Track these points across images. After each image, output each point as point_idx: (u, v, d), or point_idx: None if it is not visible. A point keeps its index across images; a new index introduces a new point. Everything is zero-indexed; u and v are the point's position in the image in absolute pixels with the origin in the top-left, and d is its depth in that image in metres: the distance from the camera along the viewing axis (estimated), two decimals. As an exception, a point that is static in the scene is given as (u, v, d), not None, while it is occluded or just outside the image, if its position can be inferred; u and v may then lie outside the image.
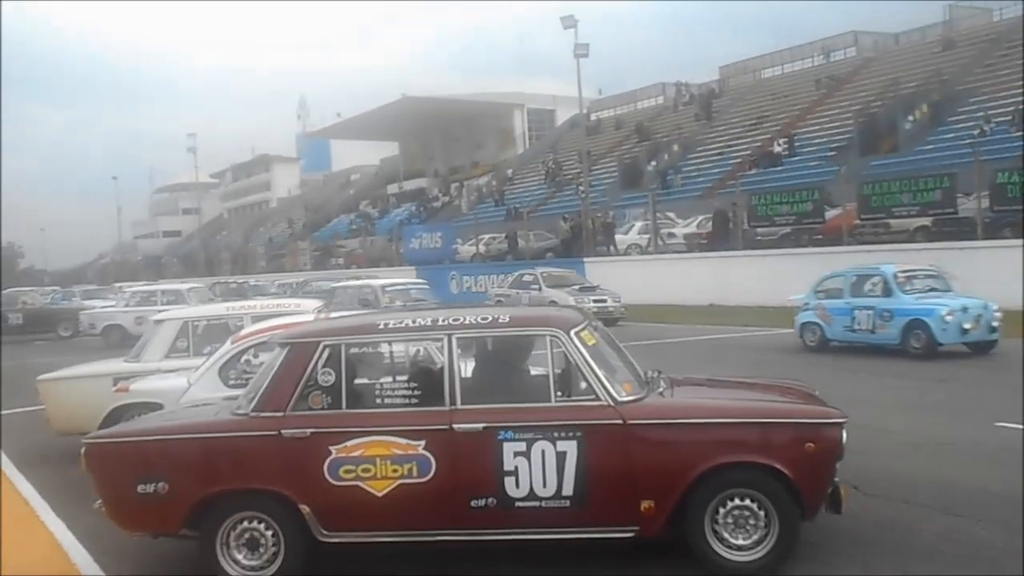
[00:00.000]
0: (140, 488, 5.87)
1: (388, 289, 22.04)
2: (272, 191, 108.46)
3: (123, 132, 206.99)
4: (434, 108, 68.03)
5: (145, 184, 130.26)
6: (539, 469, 5.63)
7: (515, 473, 5.64)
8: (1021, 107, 31.64)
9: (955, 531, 6.38)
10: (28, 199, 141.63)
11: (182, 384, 8.61)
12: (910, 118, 35.52)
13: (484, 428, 5.68)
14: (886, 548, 6.07)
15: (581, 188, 41.15)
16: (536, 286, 26.16)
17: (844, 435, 5.80)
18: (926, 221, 24.28)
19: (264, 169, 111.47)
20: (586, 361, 5.81)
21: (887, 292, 15.72)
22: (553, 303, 22.27)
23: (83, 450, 6.09)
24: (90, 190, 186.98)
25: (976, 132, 31.20)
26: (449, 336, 5.93)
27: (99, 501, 6.11)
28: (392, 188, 74.45)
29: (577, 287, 26.16)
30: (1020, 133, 29.71)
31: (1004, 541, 6.12)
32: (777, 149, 40.37)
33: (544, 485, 5.64)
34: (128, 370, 10.08)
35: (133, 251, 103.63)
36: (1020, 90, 33.48)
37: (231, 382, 8.40)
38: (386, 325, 6.30)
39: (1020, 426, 9.34)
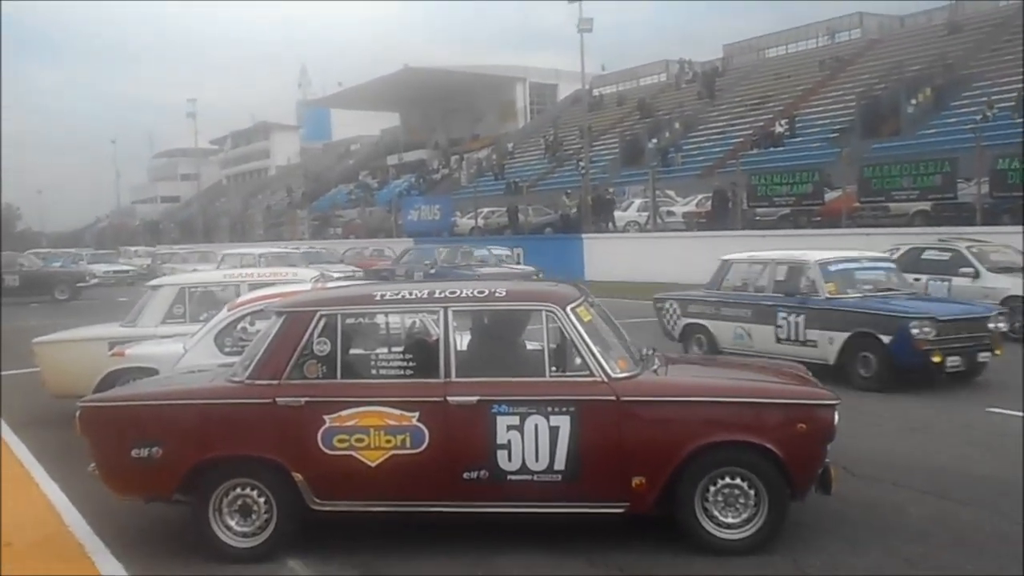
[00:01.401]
0: (134, 452, 5.89)
1: (834, 268, 12.01)
2: (271, 159, 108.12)
3: (123, 96, 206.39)
4: (436, 79, 67.73)
5: (144, 149, 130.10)
6: (532, 443, 5.66)
7: (508, 446, 5.67)
8: (1024, 93, 31.58)
9: (944, 514, 6.43)
10: (26, 160, 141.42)
11: (178, 350, 8.62)
12: (913, 102, 35.40)
13: (478, 401, 5.70)
14: (874, 529, 6.11)
15: (581, 164, 41.05)
16: (968, 269, 15.36)
17: (836, 417, 5.84)
18: (925, 205, 24.25)
19: (264, 137, 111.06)
20: (581, 337, 5.83)
21: None
22: (1015, 300, 14.38)
23: (78, 413, 6.11)
24: (89, 153, 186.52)
25: (979, 117, 31.12)
26: (445, 309, 5.94)
27: (93, 464, 6.13)
28: (392, 159, 74.21)
29: None
30: (1022, 119, 29.64)
31: (992, 525, 6.17)
32: (779, 129, 40.28)
33: (536, 459, 5.67)
34: (124, 335, 10.09)
35: (131, 215, 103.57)
36: (1023, 76, 33.38)
37: (227, 349, 8.42)
38: (382, 296, 6.31)
39: (1012, 412, 9.40)
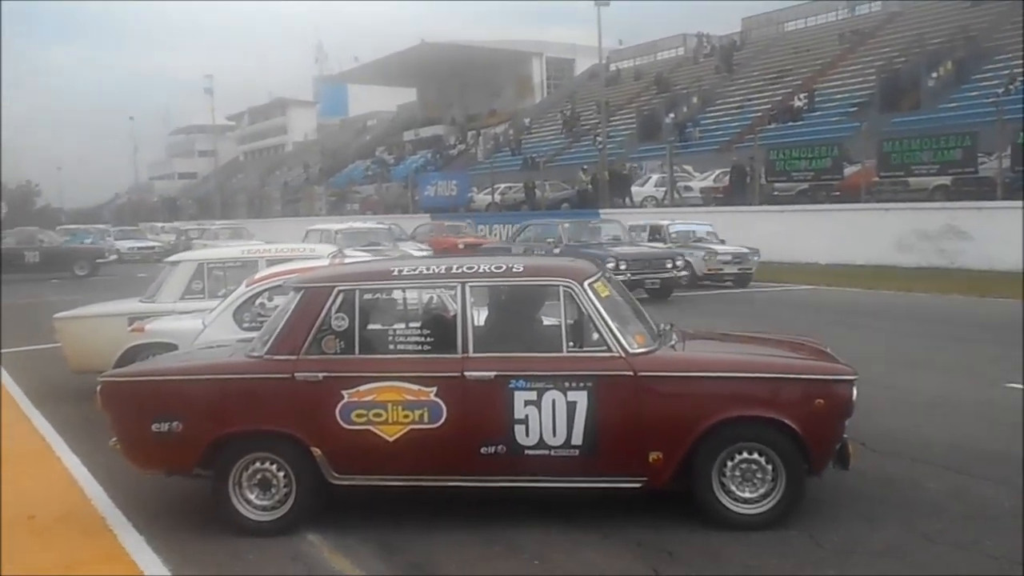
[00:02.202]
0: (155, 427, 5.93)
1: None
2: (288, 135, 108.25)
3: (140, 72, 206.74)
4: (452, 54, 67.52)
5: (162, 125, 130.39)
6: (549, 418, 5.67)
7: (525, 422, 5.68)
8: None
9: (962, 490, 6.41)
10: (45, 137, 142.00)
11: (197, 325, 8.67)
12: (934, 75, 35.07)
13: (495, 376, 5.71)
14: (892, 505, 6.10)
15: (599, 139, 40.89)
16: None
17: (855, 392, 5.82)
18: (946, 180, 24.07)
19: (281, 112, 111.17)
20: (599, 312, 5.82)
21: None
22: None
23: (98, 388, 6.15)
24: (107, 130, 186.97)
25: (1001, 91, 30.80)
26: (463, 284, 5.94)
27: (114, 439, 6.19)
28: (408, 135, 74.16)
29: None
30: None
31: (1011, 500, 6.14)
32: (797, 104, 39.98)
33: (554, 434, 5.68)
34: (144, 310, 10.15)
35: (149, 192, 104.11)
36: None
37: (245, 324, 8.46)
38: (400, 272, 6.33)
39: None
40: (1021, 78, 31.21)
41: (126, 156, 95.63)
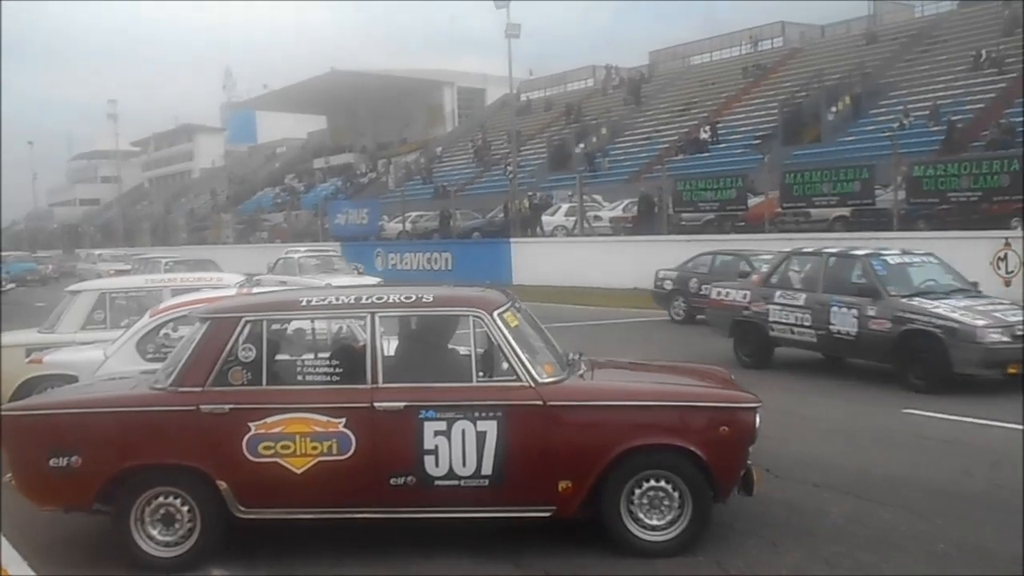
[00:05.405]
0: (52, 462, 5.77)
1: None
2: (195, 161, 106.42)
3: (40, 96, 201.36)
4: (363, 83, 67.31)
5: (62, 150, 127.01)
6: (459, 448, 5.68)
7: (435, 452, 5.68)
8: (938, 102, 32.45)
9: (862, 514, 6.57)
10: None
11: (98, 357, 8.47)
12: (833, 109, 36.18)
13: (405, 407, 5.70)
14: (795, 530, 6.24)
15: (509, 168, 41.15)
16: None
17: (758, 419, 5.95)
18: (845, 211, 24.79)
19: (187, 139, 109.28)
20: (508, 342, 5.86)
21: None
22: None
23: (-7, 422, 5.96)
24: (3, 154, 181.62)
25: (896, 125, 31.93)
26: (372, 314, 5.92)
27: (9, 474, 5.99)
28: (319, 162, 73.56)
29: None
30: (936, 128, 30.50)
31: (909, 524, 6.33)
32: (703, 136, 40.83)
33: (463, 464, 5.69)
34: (42, 341, 9.87)
35: (48, 219, 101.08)
36: (938, 85, 34.36)
37: (149, 355, 8.31)
38: (309, 302, 6.28)
39: (927, 414, 9.70)
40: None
41: (24, 182, 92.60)
